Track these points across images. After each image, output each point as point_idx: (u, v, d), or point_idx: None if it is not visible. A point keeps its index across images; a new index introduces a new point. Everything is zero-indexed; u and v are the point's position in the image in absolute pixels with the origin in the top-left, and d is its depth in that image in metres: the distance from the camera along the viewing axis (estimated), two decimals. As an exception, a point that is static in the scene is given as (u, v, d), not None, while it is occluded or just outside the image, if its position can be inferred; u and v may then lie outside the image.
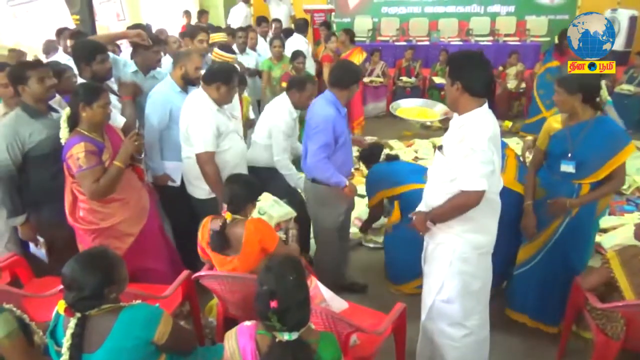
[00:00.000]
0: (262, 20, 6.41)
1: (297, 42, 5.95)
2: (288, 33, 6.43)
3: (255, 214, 2.68)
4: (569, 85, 2.46)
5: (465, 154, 2.00)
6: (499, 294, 3.04)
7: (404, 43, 9.16)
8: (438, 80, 7.41)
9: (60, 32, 4.66)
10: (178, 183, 3.17)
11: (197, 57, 3.13)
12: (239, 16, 7.78)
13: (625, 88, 6.44)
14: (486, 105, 2.10)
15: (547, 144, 2.66)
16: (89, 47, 2.93)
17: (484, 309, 2.36)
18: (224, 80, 2.77)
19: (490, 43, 9.14)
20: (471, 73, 2.06)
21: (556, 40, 6.09)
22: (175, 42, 4.31)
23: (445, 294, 2.26)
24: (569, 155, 2.50)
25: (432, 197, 2.23)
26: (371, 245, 3.90)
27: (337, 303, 2.17)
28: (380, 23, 10.19)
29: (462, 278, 2.20)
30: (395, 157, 3.68)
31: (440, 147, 2.20)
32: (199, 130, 2.76)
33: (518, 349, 2.78)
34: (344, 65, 3.06)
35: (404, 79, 7.43)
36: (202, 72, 3.00)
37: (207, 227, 2.32)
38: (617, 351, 2.20)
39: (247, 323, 1.67)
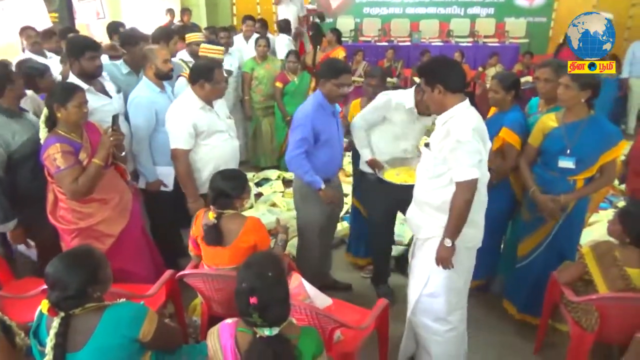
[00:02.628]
0: (247, 19, 6.38)
1: (282, 42, 6.02)
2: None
3: None
4: (582, 81, 2.48)
5: (452, 147, 2.06)
6: (481, 288, 3.13)
7: (386, 43, 9.25)
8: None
9: (22, 31, 4.58)
10: (171, 188, 3.15)
11: (162, 50, 3.12)
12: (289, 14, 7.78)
13: None
14: (467, 101, 2.17)
15: (541, 141, 2.71)
16: (80, 43, 2.93)
17: (465, 304, 2.43)
18: (206, 77, 2.79)
19: (470, 44, 9.27)
20: (446, 71, 2.16)
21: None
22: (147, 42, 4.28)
23: (430, 288, 2.31)
24: (568, 151, 2.57)
25: (422, 193, 2.28)
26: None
27: (321, 300, 2.20)
28: (362, 23, 10.24)
29: (448, 273, 2.24)
30: None
31: (427, 144, 2.24)
32: (173, 127, 2.82)
33: (496, 342, 2.84)
34: (325, 61, 3.10)
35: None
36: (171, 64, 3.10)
37: (200, 220, 2.33)
38: (591, 342, 2.28)
39: (229, 321, 1.68)
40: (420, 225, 2.32)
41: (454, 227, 2.13)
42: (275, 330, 1.55)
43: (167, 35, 3.79)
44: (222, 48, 3.88)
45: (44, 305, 1.59)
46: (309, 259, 3.07)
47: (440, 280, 2.28)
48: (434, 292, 2.31)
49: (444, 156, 2.11)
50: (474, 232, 2.23)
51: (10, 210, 2.58)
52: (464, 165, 2.06)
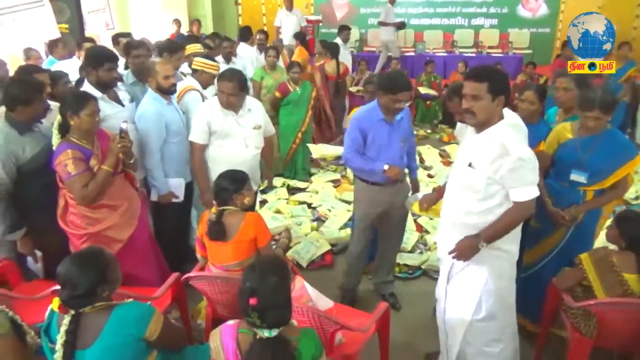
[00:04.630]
0: (250, 30, 6.52)
1: (243, 51, 6.13)
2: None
3: None
4: (609, 108, 2.47)
5: (514, 166, 1.97)
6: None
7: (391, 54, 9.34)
8: (423, 90, 7.57)
9: (54, 43, 4.73)
10: (181, 198, 3.21)
11: (165, 65, 3.10)
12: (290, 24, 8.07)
13: None
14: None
15: (555, 149, 2.70)
16: (99, 54, 3.02)
17: (515, 318, 2.39)
18: (218, 84, 3.00)
19: (474, 55, 9.36)
20: (508, 85, 2.10)
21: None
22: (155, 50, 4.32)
23: (483, 312, 2.24)
24: (581, 166, 2.57)
25: (466, 217, 2.16)
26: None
27: (322, 302, 2.24)
28: (367, 34, 10.37)
29: (500, 293, 2.20)
30: None
31: (470, 164, 2.12)
32: (193, 120, 3.08)
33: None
34: (388, 74, 3.18)
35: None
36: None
37: (205, 219, 2.41)
38: (590, 348, 2.30)
39: (231, 322, 1.71)
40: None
41: (497, 235, 2.09)
42: (274, 332, 1.58)
43: (172, 49, 3.71)
44: (217, 64, 3.66)
45: (55, 303, 1.65)
46: (350, 252, 3.21)
47: (494, 301, 2.21)
48: (487, 315, 2.24)
49: (500, 175, 2.01)
50: (516, 247, 2.23)
51: (18, 220, 2.62)
52: (528, 183, 2.01)
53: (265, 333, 1.58)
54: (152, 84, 3.09)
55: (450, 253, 2.19)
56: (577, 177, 2.59)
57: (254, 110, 3.16)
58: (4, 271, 2.64)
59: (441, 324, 2.45)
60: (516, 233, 2.18)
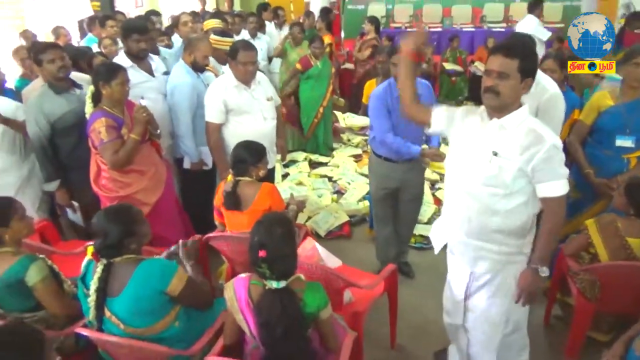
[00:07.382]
0: (267, 6, 6.58)
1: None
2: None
3: None
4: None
5: (549, 156, 1.73)
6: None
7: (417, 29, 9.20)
8: (448, 66, 7.51)
9: (92, 20, 4.96)
10: (210, 166, 3.38)
11: (206, 45, 3.31)
12: None
13: None
14: None
15: (595, 119, 2.71)
16: (129, 26, 3.30)
17: None
18: (230, 56, 3.01)
19: (503, 29, 9.11)
20: (537, 67, 1.89)
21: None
22: (185, 25, 4.47)
23: (510, 326, 2.02)
24: (627, 130, 2.61)
25: (489, 218, 1.86)
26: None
27: (332, 261, 2.37)
28: (394, 10, 10.23)
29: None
30: None
31: (495, 153, 1.81)
32: (207, 101, 3.06)
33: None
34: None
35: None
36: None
37: (221, 189, 2.56)
38: (592, 312, 2.36)
39: (242, 275, 1.85)
40: (482, 257, 1.93)
41: (548, 250, 1.83)
42: (282, 284, 1.71)
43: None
44: (232, 40, 3.65)
45: (89, 250, 1.83)
46: (376, 228, 3.34)
47: (522, 312, 2.01)
48: (514, 327, 2.04)
49: (533, 166, 1.74)
50: None
51: (53, 171, 2.90)
52: (561, 176, 1.77)
53: (274, 284, 1.71)
54: (187, 58, 3.25)
55: (517, 302, 1.89)
56: (623, 142, 2.63)
57: (262, 82, 3.20)
58: (44, 231, 2.89)
59: (463, 354, 2.21)
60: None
